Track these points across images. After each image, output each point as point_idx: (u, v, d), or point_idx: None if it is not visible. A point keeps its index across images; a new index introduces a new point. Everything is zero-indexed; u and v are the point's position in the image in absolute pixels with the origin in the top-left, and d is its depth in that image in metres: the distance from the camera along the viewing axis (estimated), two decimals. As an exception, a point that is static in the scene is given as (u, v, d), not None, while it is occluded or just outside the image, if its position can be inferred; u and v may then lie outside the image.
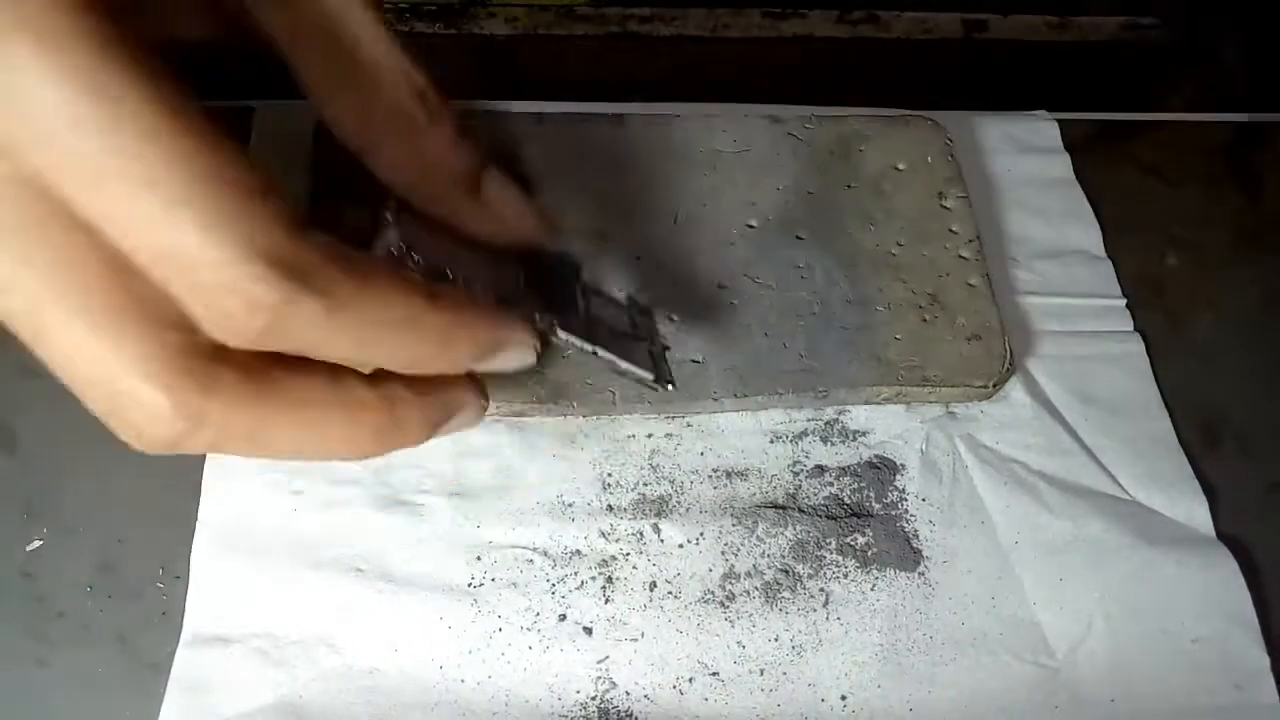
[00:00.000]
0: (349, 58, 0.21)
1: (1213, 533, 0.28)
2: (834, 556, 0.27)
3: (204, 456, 0.26)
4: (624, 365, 0.23)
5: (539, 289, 0.24)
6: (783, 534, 0.27)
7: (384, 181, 0.22)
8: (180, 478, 0.26)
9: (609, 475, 0.27)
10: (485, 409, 0.21)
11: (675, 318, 0.29)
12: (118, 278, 0.16)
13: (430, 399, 0.20)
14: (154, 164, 0.15)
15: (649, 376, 0.24)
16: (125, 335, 0.16)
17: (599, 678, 0.25)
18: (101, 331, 0.16)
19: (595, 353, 0.23)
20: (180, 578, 0.25)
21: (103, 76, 0.15)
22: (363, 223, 0.23)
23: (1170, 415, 0.30)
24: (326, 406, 0.18)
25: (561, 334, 0.22)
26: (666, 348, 0.28)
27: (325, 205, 0.27)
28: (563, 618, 0.25)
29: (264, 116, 0.31)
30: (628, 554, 0.26)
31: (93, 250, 0.16)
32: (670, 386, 0.25)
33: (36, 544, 0.26)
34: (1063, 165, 0.35)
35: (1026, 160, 0.35)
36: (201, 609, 0.24)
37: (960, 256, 0.30)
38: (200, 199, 0.15)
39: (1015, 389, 0.30)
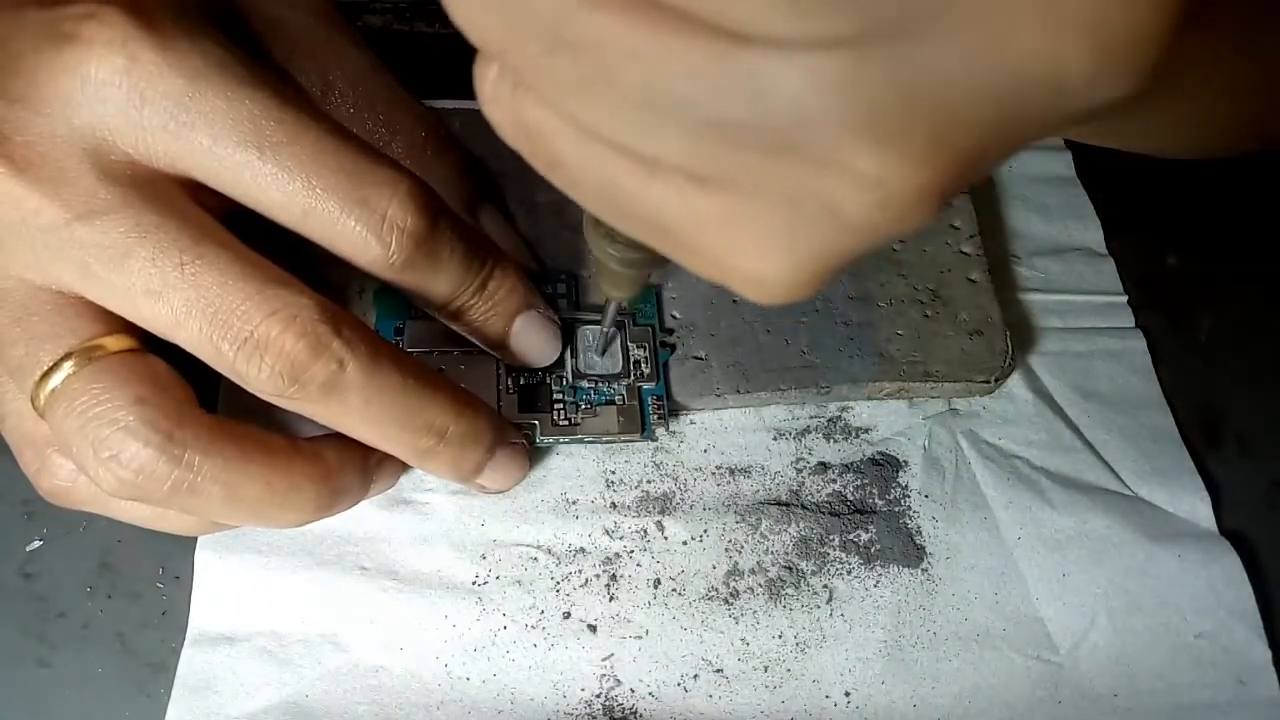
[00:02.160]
0: (361, 102, 0.25)
1: (1215, 528, 0.28)
2: (837, 553, 0.27)
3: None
4: (606, 439, 0.26)
5: (521, 389, 0.26)
6: (786, 531, 0.27)
7: None
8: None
9: (612, 472, 0.27)
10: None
11: (678, 315, 0.29)
12: None
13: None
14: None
15: (635, 438, 0.26)
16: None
17: (604, 675, 0.25)
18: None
19: (580, 439, 0.26)
20: (180, 578, 0.25)
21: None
22: None
23: (1172, 412, 0.30)
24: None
25: (544, 439, 0.25)
26: (667, 347, 0.28)
27: None
28: (567, 615, 0.25)
29: None
30: (631, 551, 0.26)
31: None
32: (653, 439, 0.27)
33: (36, 544, 0.25)
34: (1064, 163, 0.35)
35: (1028, 157, 0.35)
36: (206, 608, 0.24)
37: (961, 252, 0.30)
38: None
39: (1017, 385, 0.30)
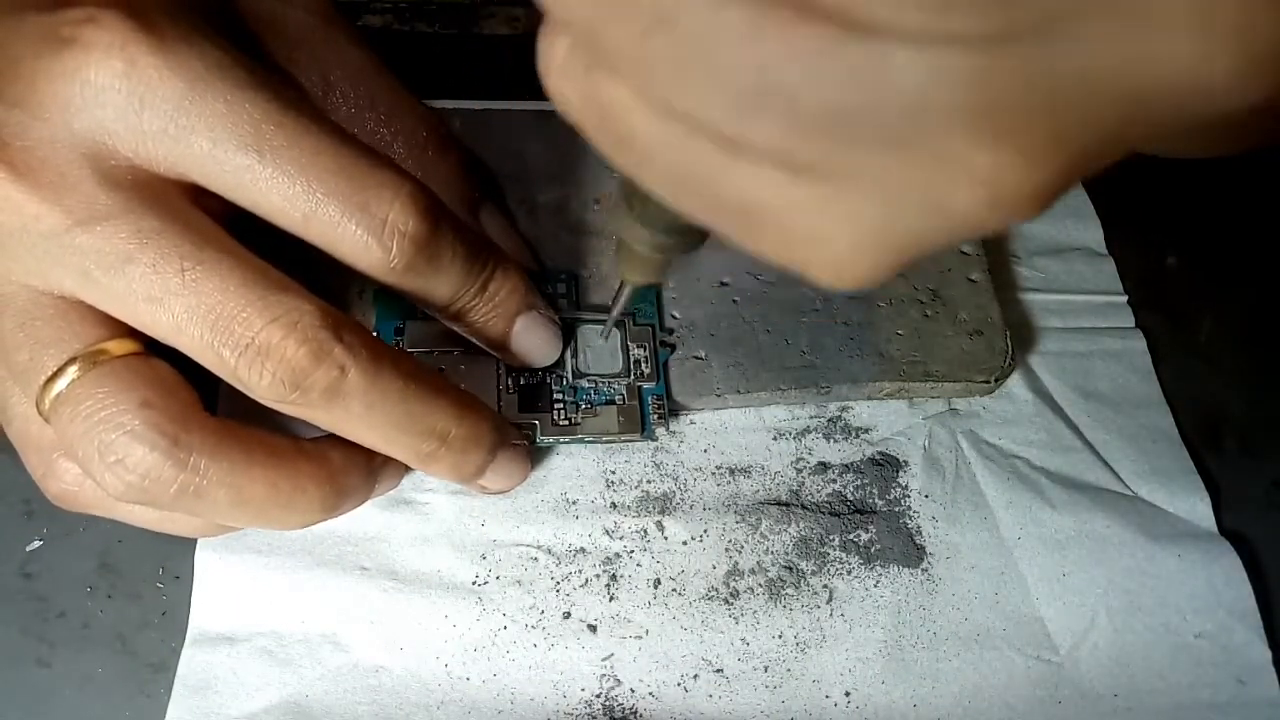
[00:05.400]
0: (363, 102, 0.25)
1: (1215, 528, 0.28)
2: (837, 553, 0.27)
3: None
4: (606, 439, 0.26)
5: (522, 389, 0.26)
6: (786, 531, 0.27)
7: None
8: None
9: (612, 472, 0.27)
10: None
11: (678, 315, 0.29)
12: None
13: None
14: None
15: (635, 437, 0.26)
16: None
17: (604, 675, 0.25)
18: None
19: (581, 439, 0.26)
20: (180, 578, 0.25)
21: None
22: None
23: (1172, 412, 0.30)
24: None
25: (544, 438, 0.25)
26: (666, 346, 0.28)
27: None
28: (567, 615, 0.25)
29: None
30: (631, 551, 0.26)
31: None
32: (653, 439, 0.27)
33: (36, 544, 0.25)
34: (1063, 163, 0.35)
35: (1027, 158, 0.35)
36: (206, 608, 0.24)
37: (962, 252, 0.30)
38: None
39: (1017, 385, 0.30)
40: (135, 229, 0.18)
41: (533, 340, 0.25)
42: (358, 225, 0.19)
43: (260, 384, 0.18)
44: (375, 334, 0.26)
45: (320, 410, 0.19)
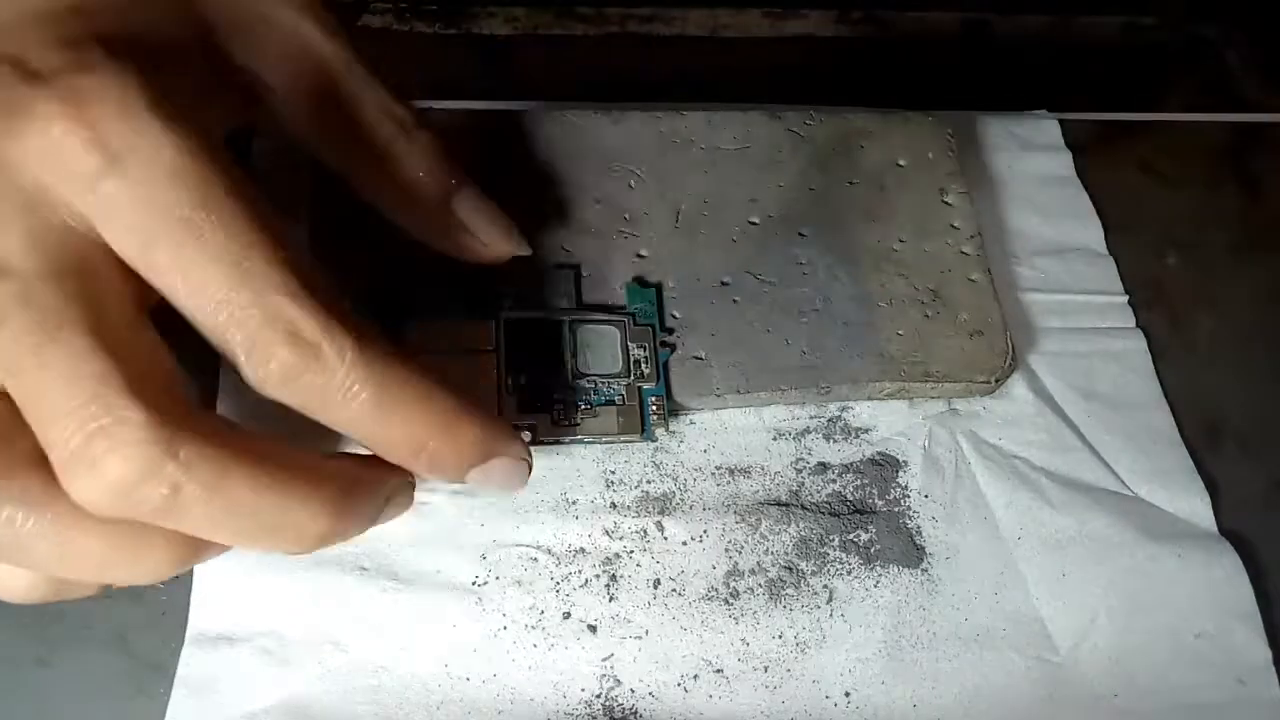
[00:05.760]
0: (327, 93, 0.23)
1: (1215, 528, 0.28)
2: (837, 553, 0.27)
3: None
4: (606, 439, 0.26)
5: (521, 389, 0.26)
6: (786, 531, 0.27)
7: (368, 203, 0.24)
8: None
9: (612, 472, 0.27)
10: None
11: (678, 315, 0.29)
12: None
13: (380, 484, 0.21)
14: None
15: (635, 438, 0.26)
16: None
17: (604, 675, 0.25)
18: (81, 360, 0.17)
19: (580, 439, 0.26)
20: (180, 578, 0.25)
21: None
22: (359, 260, 0.26)
23: (1172, 412, 0.30)
24: (292, 464, 0.19)
25: (543, 439, 0.25)
26: (666, 348, 0.28)
27: (322, 241, 0.27)
28: (567, 615, 0.25)
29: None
30: (631, 551, 0.26)
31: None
32: (653, 439, 0.27)
33: (36, 544, 0.25)
34: (1064, 163, 0.35)
35: (1028, 158, 0.35)
36: (206, 608, 0.24)
37: (962, 252, 0.30)
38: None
39: (1017, 385, 0.30)
40: (20, 292, 0.17)
41: (488, 487, 0.22)
42: (225, 337, 0.18)
43: (85, 497, 0.17)
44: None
45: (161, 522, 0.18)
